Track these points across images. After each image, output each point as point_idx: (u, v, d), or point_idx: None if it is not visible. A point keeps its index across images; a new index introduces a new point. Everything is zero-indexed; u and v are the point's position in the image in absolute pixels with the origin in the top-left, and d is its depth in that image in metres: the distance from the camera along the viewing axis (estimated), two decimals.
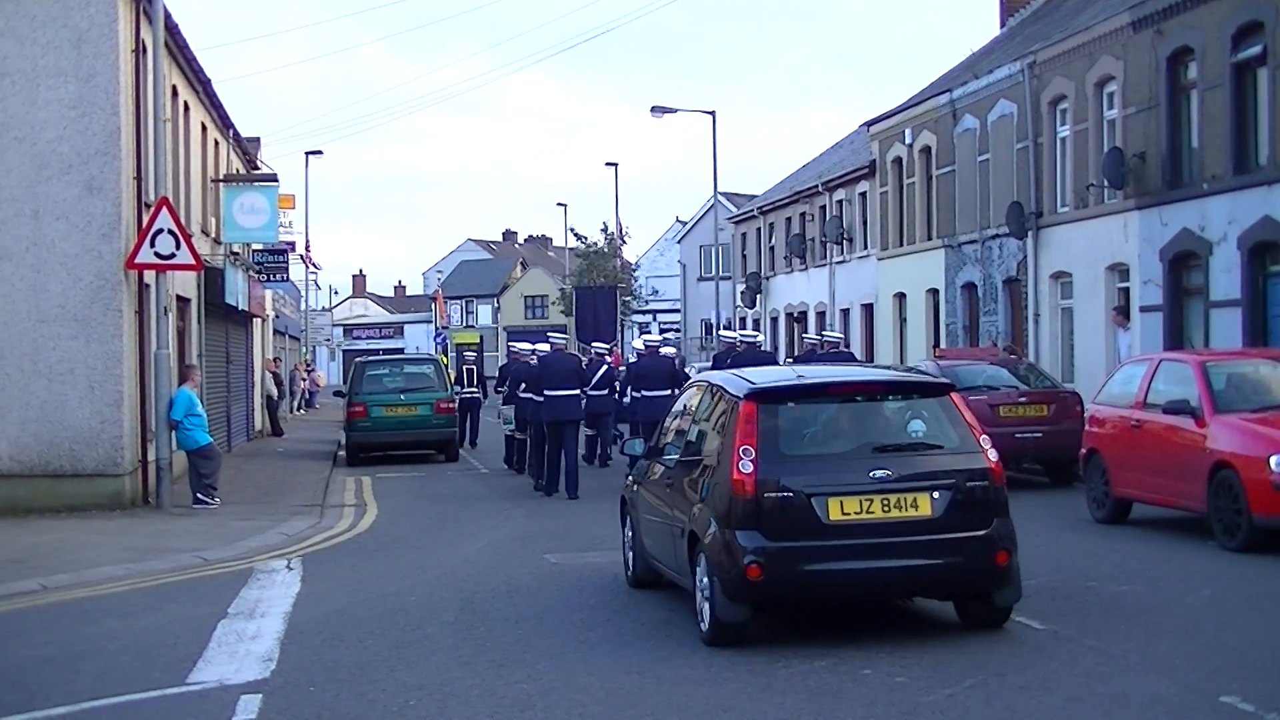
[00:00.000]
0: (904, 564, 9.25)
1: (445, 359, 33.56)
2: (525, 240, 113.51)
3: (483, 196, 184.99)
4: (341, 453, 29.75)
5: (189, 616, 11.35)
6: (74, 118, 19.04)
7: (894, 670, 8.68)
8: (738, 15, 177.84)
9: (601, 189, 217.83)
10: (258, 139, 39.56)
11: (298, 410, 49.99)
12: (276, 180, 29.97)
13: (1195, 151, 22.31)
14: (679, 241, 67.46)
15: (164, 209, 18.92)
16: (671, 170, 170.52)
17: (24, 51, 19.03)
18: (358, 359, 31.75)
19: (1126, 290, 24.34)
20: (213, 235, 28.05)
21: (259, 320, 37.37)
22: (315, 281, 66.79)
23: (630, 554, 12.24)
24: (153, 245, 18.82)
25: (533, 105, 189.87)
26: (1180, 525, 14.80)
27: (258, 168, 35.82)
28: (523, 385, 22.41)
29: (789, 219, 44.33)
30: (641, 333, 66.21)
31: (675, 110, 40.97)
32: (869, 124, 37.51)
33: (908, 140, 33.89)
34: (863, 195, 37.88)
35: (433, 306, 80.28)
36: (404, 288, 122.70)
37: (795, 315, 43.56)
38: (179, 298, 23.33)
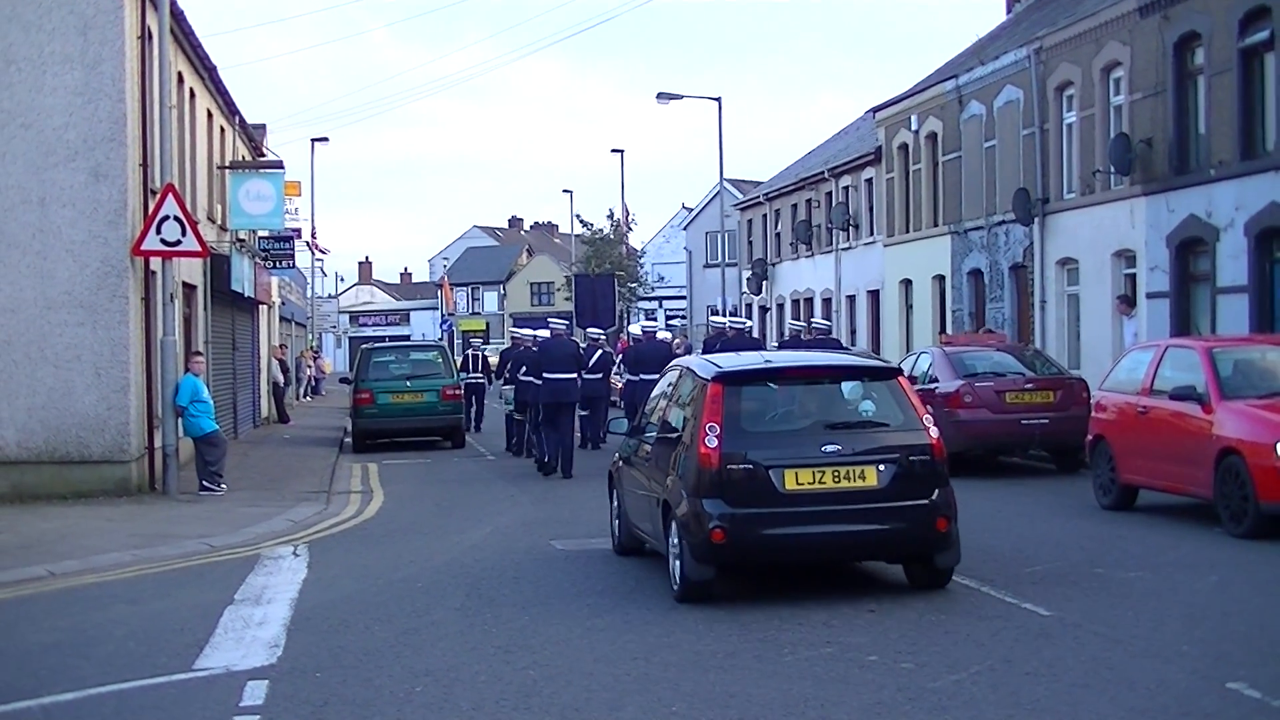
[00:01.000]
0: (853, 529, 10.35)
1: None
2: (531, 227, 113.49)
3: (489, 183, 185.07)
4: (348, 439, 29.81)
5: (196, 603, 11.37)
6: (80, 104, 19.03)
7: (900, 656, 8.68)
8: (744, 1, 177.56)
9: (607, 176, 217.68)
10: (264, 125, 39.60)
11: (304, 397, 50.02)
12: (283, 167, 29.98)
13: (1202, 137, 22.25)
14: (685, 228, 67.38)
15: (170, 195, 18.92)
16: (677, 157, 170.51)
17: (30, 38, 19.01)
18: (364, 346, 31.80)
19: (1133, 277, 24.29)
20: (219, 222, 28.05)
21: (265, 307, 37.38)
22: (321, 268, 66.83)
23: (616, 523, 13.30)
24: (159, 232, 18.81)
25: (539, 92, 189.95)
26: (1187, 511, 14.77)
27: (264, 154, 35.83)
28: (524, 369, 23.59)
29: (795, 205, 44.27)
30: (647, 319, 66.28)
31: (681, 96, 40.91)
32: (875, 110, 37.44)
33: (914, 126, 33.82)
34: (869, 182, 37.83)
35: (439, 293, 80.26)
36: (410, 274, 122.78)
37: (801, 302, 43.53)
38: (185, 284, 23.33)
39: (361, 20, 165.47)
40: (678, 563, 10.66)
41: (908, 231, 34.65)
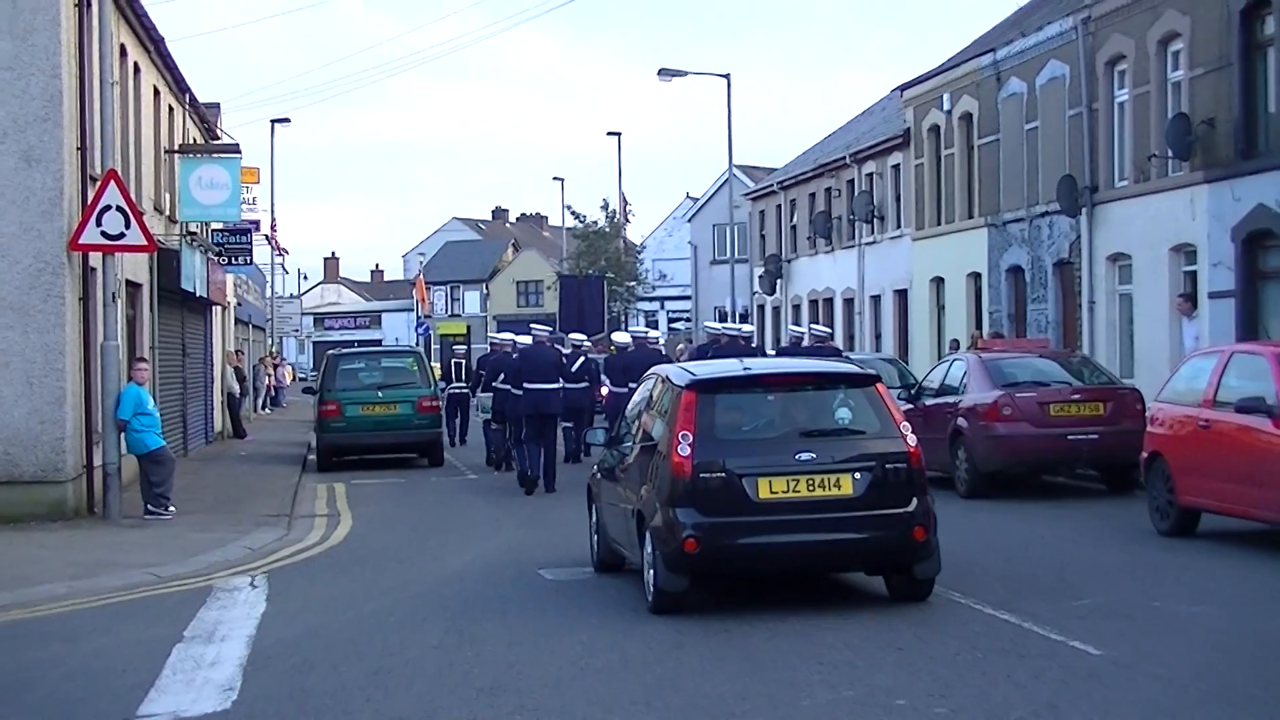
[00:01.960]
0: (828, 538, 11.29)
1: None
2: (518, 219, 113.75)
3: (470, 171, 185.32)
4: (312, 457, 29.80)
5: (141, 640, 11.34)
6: (9, 80, 19.00)
7: (932, 700, 8.65)
8: None
9: (603, 162, 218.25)
10: (218, 105, 39.66)
11: (263, 409, 50.08)
12: (239, 151, 29.99)
13: (1272, 116, 22.25)
14: (689, 220, 67.44)
15: (112, 183, 18.89)
16: (681, 141, 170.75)
17: None
18: (330, 351, 31.79)
19: (1193, 274, 24.29)
20: (167, 213, 28.04)
21: (219, 308, 37.39)
22: (283, 265, 66.93)
23: (594, 538, 14.18)
24: (99, 224, 18.79)
25: (527, 68, 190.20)
26: (1256, 538, 14.74)
27: (218, 137, 35.86)
28: (501, 376, 24.16)
29: (813, 195, 44.32)
30: (647, 322, 66.28)
31: (685, 73, 40.97)
32: (903, 88, 37.48)
33: (946, 106, 33.85)
34: (895, 168, 37.86)
35: (414, 293, 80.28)
36: (382, 272, 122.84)
37: (820, 302, 43.56)
38: (129, 283, 23.31)
39: None
40: (651, 572, 11.60)
41: (939, 224, 34.68)
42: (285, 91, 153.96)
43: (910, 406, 21.74)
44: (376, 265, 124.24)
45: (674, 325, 74.08)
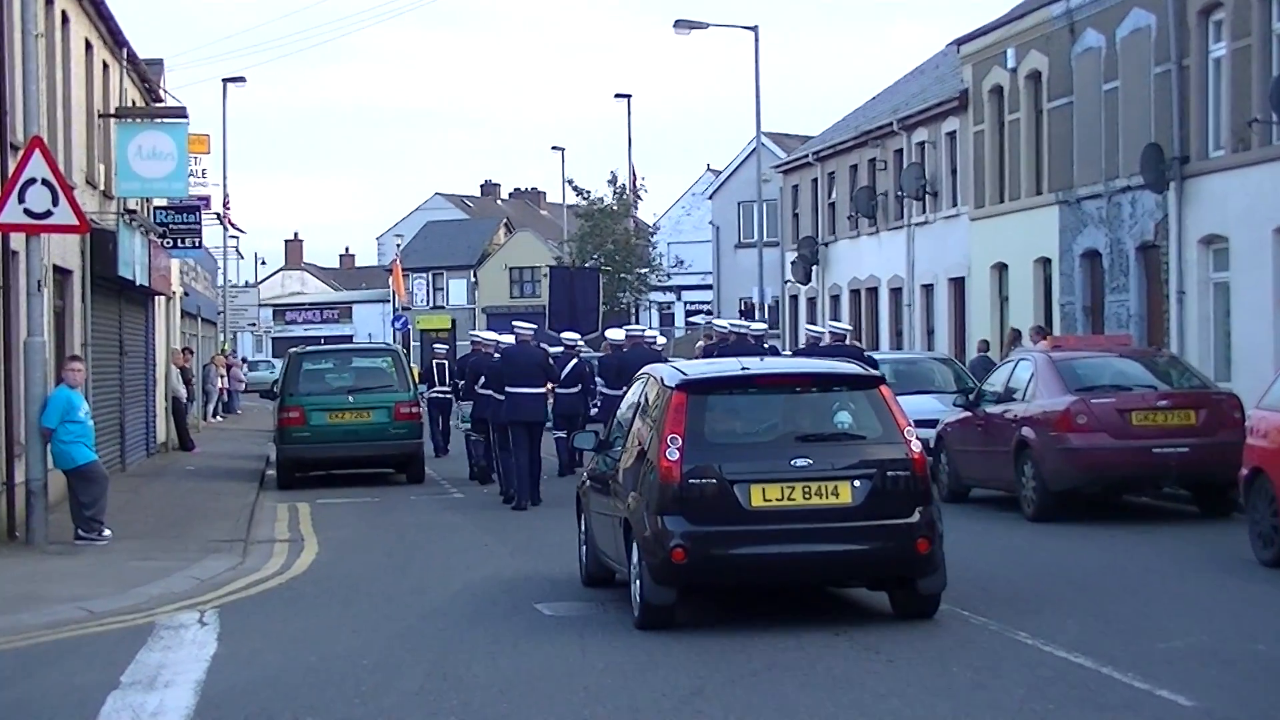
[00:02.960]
0: (825, 549, 12.05)
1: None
2: (510, 195, 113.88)
3: (456, 139, 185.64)
4: (271, 472, 29.83)
5: (70, 687, 11.34)
6: None
7: None
8: None
9: (610, 128, 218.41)
10: (160, 61, 39.63)
11: (214, 417, 50.19)
12: (186, 116, 29.95)
13: None
14: (710, 197, 67.53)
15: (36, 152, 18.88)
16: (702, 105, 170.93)
17: None
18: (293, 349, 31.82)
19: None
20: (102, 187, 28.07)
21: (163, 299, 37.46)
22: (237, 249, 66.92)
23: (583, 549, 15.07)
24: (21, 200, 18.78)
25: (523, 18, 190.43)
26: None
27: (161, 100, 35.87)
28: (481, 380, 24.52)
29: (854, 167, 44.29)
30: (661, 316, 66.38)
31: (706, 25, 41.01)
32: (960, 43, 37.48)
33: (1010, 64, 33.79)
34: (951, 136, 37.82)
35: (390, 281, 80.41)
36: (353, 257, 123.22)
37: (863, 292, 43.54)
38: (57, 269, 23.33)
39: None
40: (638, 584, 12.39)
41: (1002, 201, 34.65)
42: (240, 46, 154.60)
43: (969, 414, 21.76)
44: (346, 249, 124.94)
45: (692, 319, 74.11)
